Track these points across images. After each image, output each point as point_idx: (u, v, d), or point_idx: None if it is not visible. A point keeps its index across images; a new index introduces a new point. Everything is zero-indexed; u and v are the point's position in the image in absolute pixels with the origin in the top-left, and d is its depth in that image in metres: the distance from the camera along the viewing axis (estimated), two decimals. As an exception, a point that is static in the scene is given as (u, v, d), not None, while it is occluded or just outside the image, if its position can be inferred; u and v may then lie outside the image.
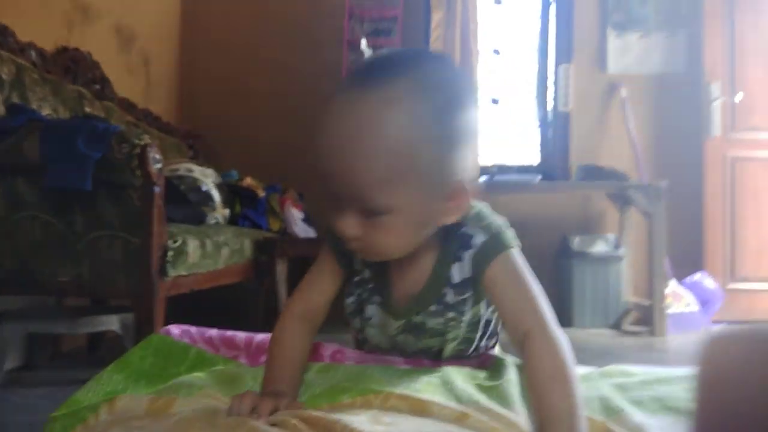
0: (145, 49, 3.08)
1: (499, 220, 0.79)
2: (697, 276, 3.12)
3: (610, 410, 0.72)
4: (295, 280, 2.99)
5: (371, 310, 0.84)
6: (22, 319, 1.84)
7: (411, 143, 0.62)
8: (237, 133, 3.46)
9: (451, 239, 0.77)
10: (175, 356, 0.89)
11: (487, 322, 0.87)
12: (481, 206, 0.81)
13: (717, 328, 0.23)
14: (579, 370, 0.74)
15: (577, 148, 3.48)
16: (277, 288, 2.44)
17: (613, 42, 3.51)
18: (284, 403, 0.70)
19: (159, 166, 1.54)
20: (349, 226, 0.67)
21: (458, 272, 0.77)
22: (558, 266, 3.31)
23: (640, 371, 0.87)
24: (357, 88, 0.63)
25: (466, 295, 0.79)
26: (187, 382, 0.73)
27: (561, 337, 0.68)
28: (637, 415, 0.69)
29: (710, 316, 3.08)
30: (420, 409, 0.67)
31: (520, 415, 0.67)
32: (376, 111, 0.61)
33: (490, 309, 0.84)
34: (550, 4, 3.65)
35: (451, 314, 0.80)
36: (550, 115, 3.64)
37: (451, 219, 0.70)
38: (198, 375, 0.77)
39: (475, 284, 0.78)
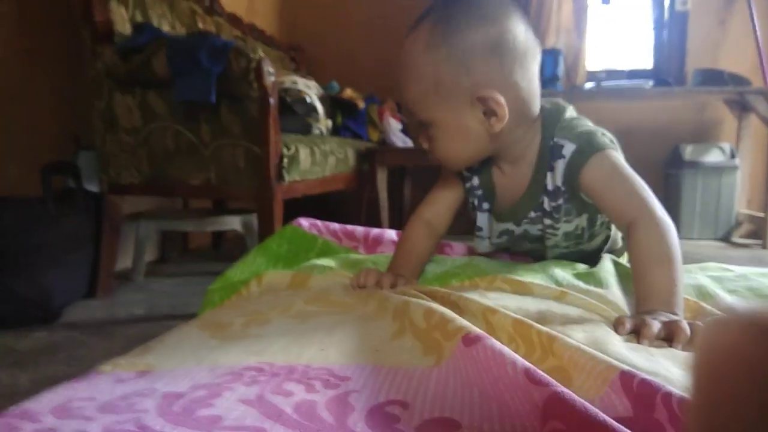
0: (247, -37, 3.14)
1: (590, 126, 0.84)
2: (823, 188, 2.90)
3: (706, 295, 0.75)
4: (392, 187, 3.11)
5: (481, 219, 0.93)
6: (156, 219, 2.08)
7: (431, 70, 0.76)
8: (336, 45, 3.51)
9: (545, 150, 0.83)
10: (306, 244, 1.01)
11: (591, 235, 0.92)
12: (572, 114, 0.87)
13: (718, 314, 0.22)
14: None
15: (694, 50, 3.22)
16: (378, 195, 2.56)
17: (745, -73, 3.12)
18: (402, 281, 0.81)
19: (273, 79, 1.64)
20: (421, 139, 0.84)
21: (551, 181, 0.83)
22: (668, 176, 3.18)
23: (737, 268, 0.89)
24: (411, 31, 0.79)
25: (559, 202, 0.84)
26: (319, 264, 0.84)
27: (667, 221, 0.72)
28: (729, 299, 0.72)
29: (833, 231, 2.89)
30: (522, 289, 0.74)
31: (615, 295, 0.72)
32: (408, 51, 0.78)
33: (599, 220, 0.89)
34: None
35: (548, 221, 0.86)
36: (666, 15, 3.37)
37: (496, 128, 0.78)
38: (327, 259, 0.89)
39: (572, 192, 0.82)
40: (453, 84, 0.76)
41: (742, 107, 2.95)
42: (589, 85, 3.09)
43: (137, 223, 2.05)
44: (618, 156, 0.79)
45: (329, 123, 2.72)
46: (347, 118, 2.86)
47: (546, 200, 0.85)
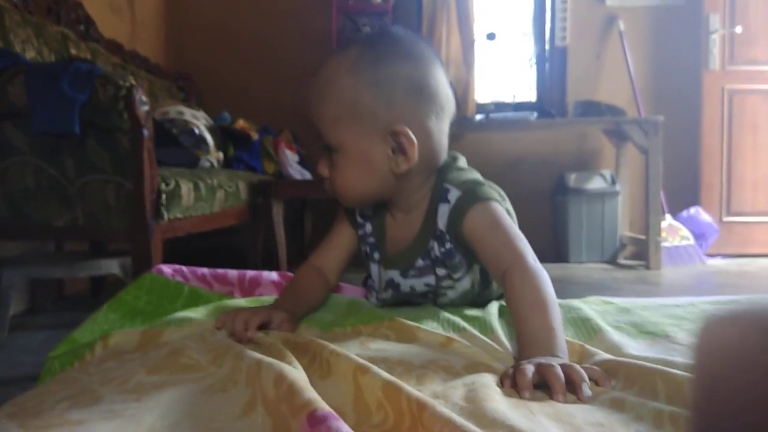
0: (129, -12, 2.98)
1: (475, 176, 0.85)
2: (693, 210, 3.14)
3: (591, 329, 0.73)
4: (291, 222, 3.01)
5: (373, 269, 0.89)
6: (21, 265, 1.86)
7: (351, 92, 0.75)
8: (229, 75, 3.39)
9: (436, 196, 0.82)
10: (170, 294, 0.90)
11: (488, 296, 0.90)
12: (463, 164, 0.88)
13: (716, 312, 0.23)
14: (561, 301, 0.78)
15: (573, 83, 3.42)
16: (274, 229, 2.46)
17: (612, -28, 3.39)
18: (279, 316, 0.74)
19: (146, 108, 1.52)
20: (320, 166, 0.80)
21: (440, 224, 0.82)
22: (554, 203, 3.32)
23: (619, 300, 0.89)
24: (334, 54, 0.79)
25: (448, 246, 0.82)
26: (178, 317, 0.74)
27: (540, 268, 0.71)
28: (614, 335, 0.70)
29: (705, 250, 3.12)
30: (407, 336, 0.68)
31: (500, 342, 0.69)
32: (332, 69, 0.77)
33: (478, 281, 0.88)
34: (548, -68, 3.51)
35: (441, 271, 0.84)
36: (546, 51, 3.56)
37: (402, 168, 0.77)
38: (193, 309, 0.79)
39: (455, 240, 0.81)
40: (370, 111, 0.75)
41: (619, 136, 3.14)
42: (478, 116, 3.19)
43: (-2, 271, 1.82)
44: (501, 208, 0.79)
45: (220, 155, 2.60)
46: (240, 150, 2.75)
47: (435, 246, 0.83)
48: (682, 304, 0.86)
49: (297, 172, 2.81)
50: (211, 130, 2.63)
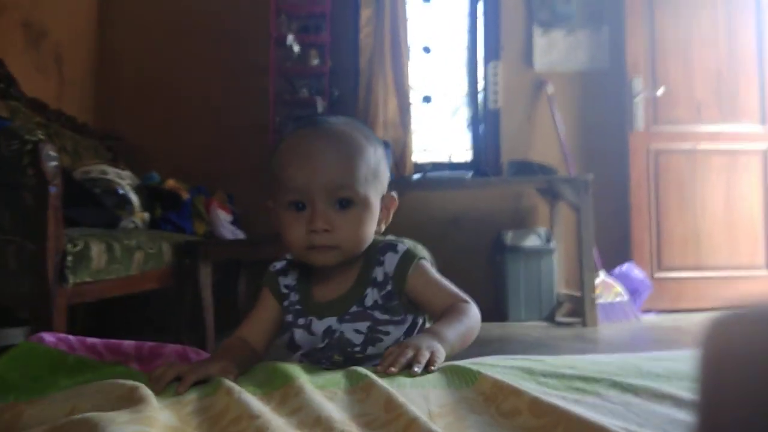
0: (58, 47, 2.91)
1: (409, 241, 1.03)
2: (626, 266, 3.20)
3: (527, 373, 0.75)
4: (224, 285, 2.89)
5: (298, 334, 0.90)
6: None
7: (375, 158, 0.88)
8: (163, 135, 3.32)
9: (374, 251, 0.91)
10: (51, 365, 0.80)
11: None
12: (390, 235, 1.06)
13: (720, 311, 0.23)
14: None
15: (507, 144, 3.51)
16: (201, 293, 2.34)
17: (539, 39, 3.56)
18: (216, 367, 0.76)
19: (54, 164, 1.43)
20: (321, 221, 0.84)
21: (379, 274, 0.90)
22: (492, 261, 3.33)
23: (549, 359, 0.85)
24: (331, 125, 0.89)
25: (388, 288, 0.88)
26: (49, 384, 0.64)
27: (473, 305, 0.88)
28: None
29: (639, 305, 3.17)
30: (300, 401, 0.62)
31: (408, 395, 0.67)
32: (362, 136, 0.89)
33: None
34: (478, 1, 3.68)
35: (379, 315, 0.88)
36: (480, 113, 3.66)
37: (382, 227, 0.92)
38: (76, 377, 0.69)
39: (397, 288, 0.89)
40: (384, 176, 0.90)
41: (552, 194, 3.21)
42: (416, 176, 3.21)
43: None
44: (430, 265, 0.93)
45: (146, 216, 2.50)
46: (169, 211, 2.65)
47: (373, 292, 0.88)
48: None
49: (229, 232, 2.72)
50: (137, 190, 2.53)
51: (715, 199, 3.48)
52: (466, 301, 0.87)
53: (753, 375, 0.22)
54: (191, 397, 0.67)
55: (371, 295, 0.88)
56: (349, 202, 0.85)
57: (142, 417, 0.54)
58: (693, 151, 3.50)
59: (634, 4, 3.51)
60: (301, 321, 0.90)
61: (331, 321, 0.87)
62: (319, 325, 0.88)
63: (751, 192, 3.49)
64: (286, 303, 0.92)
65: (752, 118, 3.53)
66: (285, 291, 0.93)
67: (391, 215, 0.92)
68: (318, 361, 0.89)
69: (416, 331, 0.92)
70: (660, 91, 3.48)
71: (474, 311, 0.86)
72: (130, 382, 0.64)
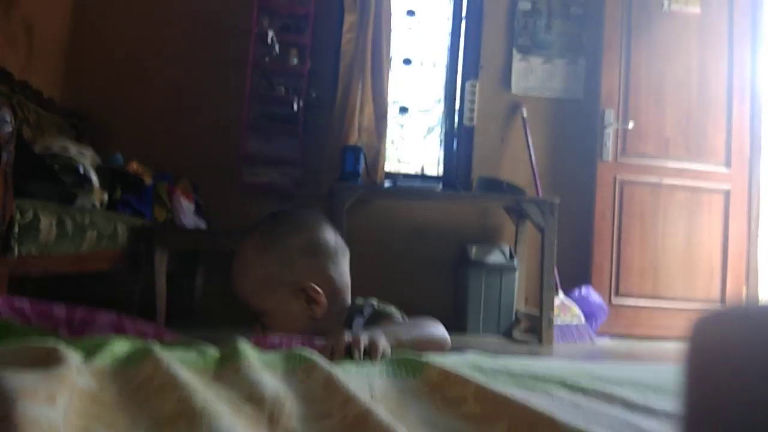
0: (29, 17, 2.83)
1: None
2: (584, 289, 3.24)
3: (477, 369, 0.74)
4: (180, 275, 2.81)
5: None
6: None
7: (261, 268, 0.97)
8: (132, 118, 3.24)
9: (350, 315, 1.01)
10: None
11: None
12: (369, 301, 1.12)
13: (706, 309, 0.23)
14: None
15: (479, 161, 3.54)
16: (155, 280, 2.27)
17: (518, 64, 3.62)
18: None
19: (8, 129, 1.37)
20: (255, 330, 0.98)
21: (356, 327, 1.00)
22: (455, 273, 3.33)
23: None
24: (246, 235, 1.01)
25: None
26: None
27: (441, 325, 0.96)
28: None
29: (595, 329, 3.20)
30: None
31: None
32: (243, 253, 0.99)
33: None
34: (461, 21, 3.71)
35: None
36: (455, 128, 3.68)
37: (318, 313, 0.98)
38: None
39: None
40: (279, 279, 0.96)
41: (519, 213, 3.24)
42: (387, 184, 3.20)
43: None
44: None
45: (105, 196, 2.42)
46: (129, 194, 2.58)
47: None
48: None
49: (191, 221, 2.66)
50: (99, 170, 2.46)
51: (676, 233, 3.55)
52: (433, 318, 0.96)
53: (739, 372, 0.23)
54: (116, 363, 0.63)
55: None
56: (258, 314, 0.98)
57: (54, 375, 0.51)
58: (658, 185, 3.58)
59: (612, 40, 3.59)
60: None
61: None
62: None
63: (711, 229, 3.58)
64: None
65: (718, 159, 3.63)
66: None
67: (320, 298, 0.97)
68: None
69: None
70: (630, 125, 3.56)
71: (438, 325, 0.94)
72: (50, 345, 0.60)
